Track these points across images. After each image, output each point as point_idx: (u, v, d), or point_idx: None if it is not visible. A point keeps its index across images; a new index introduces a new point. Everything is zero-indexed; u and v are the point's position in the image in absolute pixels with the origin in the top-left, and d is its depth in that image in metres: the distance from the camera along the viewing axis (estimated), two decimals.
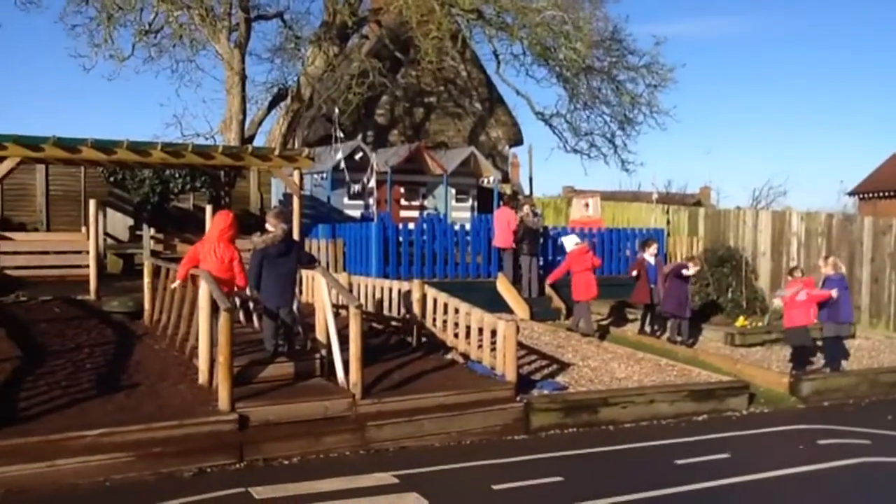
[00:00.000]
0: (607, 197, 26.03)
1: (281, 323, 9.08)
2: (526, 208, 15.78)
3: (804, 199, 76.65)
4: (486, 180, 22.11)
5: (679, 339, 13.12)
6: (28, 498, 6.44)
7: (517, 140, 27.29)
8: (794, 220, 16.95)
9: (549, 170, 73.54)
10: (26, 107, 58.97)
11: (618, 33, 26.01)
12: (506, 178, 25.85)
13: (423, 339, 11.27)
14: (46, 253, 14.35)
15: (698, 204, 30.45)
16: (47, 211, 19.43)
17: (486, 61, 26.53)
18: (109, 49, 21.57)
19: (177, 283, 9.64)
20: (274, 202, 21.11)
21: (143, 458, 7.04)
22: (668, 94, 37.25)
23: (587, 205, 19.28)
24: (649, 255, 13.63)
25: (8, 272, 13.49)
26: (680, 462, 8.00)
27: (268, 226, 9.24)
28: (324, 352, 9.14)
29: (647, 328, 13.83)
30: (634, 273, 13.64)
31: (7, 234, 15.21)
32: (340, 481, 6.97)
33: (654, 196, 20.28)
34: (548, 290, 15.17)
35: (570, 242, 14.52)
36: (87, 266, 13.18)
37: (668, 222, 19.32)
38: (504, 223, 15.42)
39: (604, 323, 14.62)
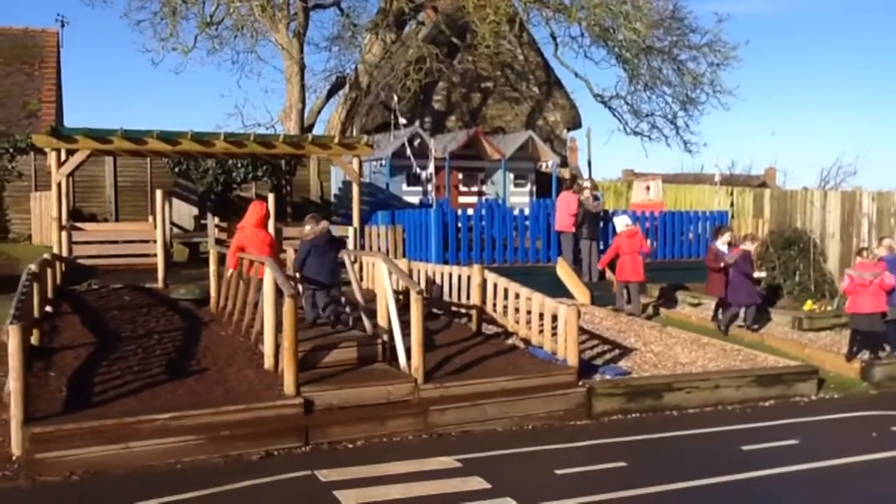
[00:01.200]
0: (669, 179, 25.62)
1: (330, 300, 9.86)
2: (586, 192, 15.61)
3: (875, 179, 74.00)
4: (544, 165, 21.95)
5: (746, 324, 12.77)
6: (105, 478, 6.67)
7: (575, 123, 27.03)
8: (864, 200, 16.38)
9: (608, 153, 72.34)
10: (93, 101, 60.70)
11: (678, 12, 25.55)
12: (564, 163, 25.64)
13: (484, 324, 11.28)
14: (115, 242, 14.77)
15: (763, 185, 29.71)
16: (116, 202, 19.98)
17: (544, 44, 26.39)
18: (174, 43, 22.07)
19: (231, 272, 10.50)
20: (334, 190, 21.35)
21: (213, 441, 7.21)
22: (731, 73, 36.56)
23: (648, 188, 18.97)
24: (721, 244, 13.24)
25: (81, 261, 13.94)
26: (747, 448, 7.85)
27: (306, 227, 10.17)
28: (385, 337, 9.22)
29: (721, 317, 13.37)
30: (722, 265, 13.12)
31: (79, 224, 15.72)
32: (404, 465, 7.03)
33: (717, 178, 19.81)
34: (608, 274, 15.02)
35: (620, 223, 14.26)
36: (155, 255, 13.57)
37: (732, 204, 18.90)
38: (563, 206, 15.30)
39: (655, 304, 14.47)
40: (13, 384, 6.84)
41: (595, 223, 15.28)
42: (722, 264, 12.90)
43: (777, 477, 7.01)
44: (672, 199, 20.88)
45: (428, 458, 7.29)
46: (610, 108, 26.67)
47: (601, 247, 15.43)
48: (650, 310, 14.04)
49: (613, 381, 9.48)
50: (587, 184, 16.42)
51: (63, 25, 25.81)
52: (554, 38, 25.44)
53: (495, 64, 25.05)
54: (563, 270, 14.91)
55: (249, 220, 10.80)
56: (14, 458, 6.76)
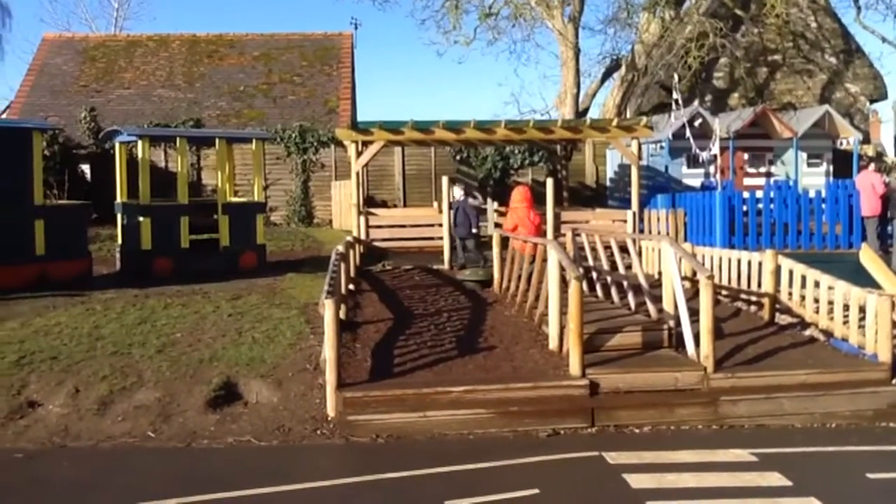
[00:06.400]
0: None
1: (464, 246, 13.77)
2: None
3: None
4: (843, 142, 20.00)
5: None
6: (405, 443, 7.17)
7: (880, 94, 24.34)
8: None
9: None
10: (376, 94, 65.45)
11: None
12: (867, 139, 23.16)
13: (777, 314, 10.54)
14: (404, 226, 15.78)
15: None
16: (404, 188, 21.40)
17: (843, 9, 24.09)
18: (456, 35, 23.13)
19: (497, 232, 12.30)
20: (609, 174, 21.16)
21: (502, 416, 7.46)
22: None
23: None
24: None
25: (376, 244, 15.10)
26: None
27: (455, 191, 14.47)
28: (671, 322, 8.95)
29: None
30: None
31: (373, 210, 17.01)
32: (695, 454, 6.79)
33: None
34: None
35: None
36: (440, 238, 14.33)
37: None
38: (868, 188, 13.84)
39: None
40: (328, 353, 7.57)
41: None
42: None
43: None
44: None
45: (719, 449, 6.98)
46: None
47: None
48: None
49: None
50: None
51: (356, 28, 28.14)
52: (856, 1, 23.04)
53: (784, 34, 23.25)
54: (868, 257, 13.46)
55: (522, 202, 12.08)
56: (329, 418, 7.49)
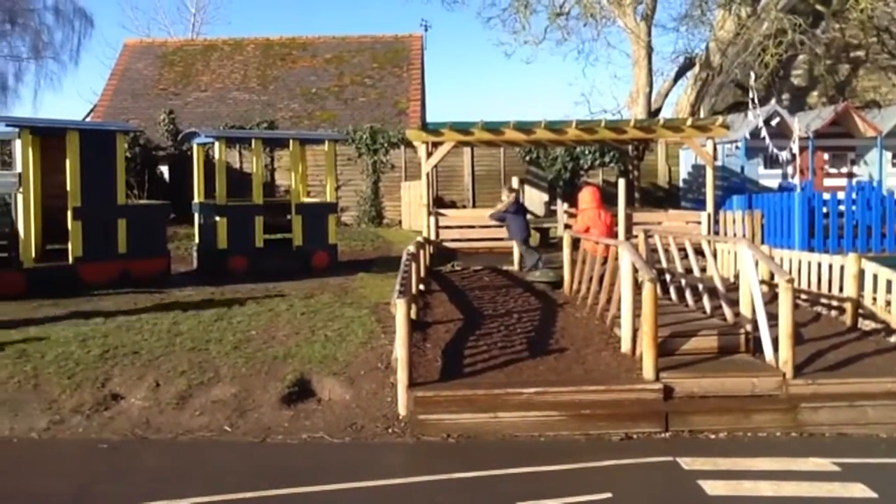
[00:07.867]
0: None
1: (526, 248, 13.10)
2: None
3: None
4: None
5: None
6: (476, 443, 7.17)
7: None
8: None
9: None
10: (443, 95, 65.67)
11: None
12: None
13: (861, 319, 10.17)
14: (473, 227, 15.75)
15: None
16: (473, 189, 21.42)
17: None
18: (525, 35, 23.06)
19: (567, 233, 12.13)
20: (682, 174, 20.77)
21: (574, 419, 7.39)
22: None
23: None
24: None
25: (445, 244, 15.14)
26: None
27: (503, 195, 13.59)
28: (748, 327, 8.72)
29: None
30: None
31: (442, 210, 17.06)
32: (774, 462, 6.60)
33: None
34: None
35: None
36: (510, 239, 14.21)
37: None
38: None
39: None
40: (400, 352, 7.63)
41: None
42: None
43: None
44: None
45: (799, 457, 6.77)
46: None
47: None
48: None
49: None
50: None
51: (426, 29, 28.35)
52: None
53: (868, 29, 22.43)
54: None
55: (591, 202, 11.89)
56: (400, 417, 7.54)
